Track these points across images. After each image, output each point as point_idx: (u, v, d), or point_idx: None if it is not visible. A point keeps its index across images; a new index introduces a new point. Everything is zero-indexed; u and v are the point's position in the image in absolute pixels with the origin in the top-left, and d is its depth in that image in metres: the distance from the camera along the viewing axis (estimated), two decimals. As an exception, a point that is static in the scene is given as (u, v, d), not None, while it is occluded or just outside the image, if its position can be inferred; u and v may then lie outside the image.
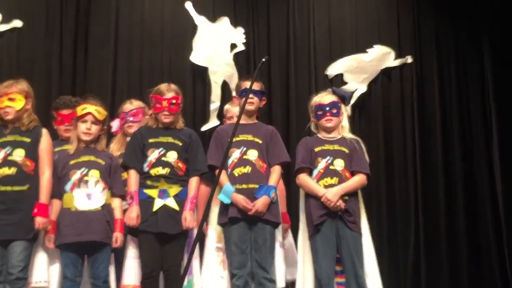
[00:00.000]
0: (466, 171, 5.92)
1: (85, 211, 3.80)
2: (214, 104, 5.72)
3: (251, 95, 4.03)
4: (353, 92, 4.44)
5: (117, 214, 3.90)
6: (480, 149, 5.96)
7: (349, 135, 4.14)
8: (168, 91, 4.06)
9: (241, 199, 3.86)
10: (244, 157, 3.98)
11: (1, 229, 3.71)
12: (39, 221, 3.74)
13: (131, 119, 4.44)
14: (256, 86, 4.12)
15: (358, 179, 4.01)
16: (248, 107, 4.06)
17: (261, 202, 3.86)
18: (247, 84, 4.12)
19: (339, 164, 4.01)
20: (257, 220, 3.89)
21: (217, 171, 3.90)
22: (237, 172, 3.97)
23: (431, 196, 5.85)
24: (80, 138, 3.97)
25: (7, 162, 3.81)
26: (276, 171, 4.02)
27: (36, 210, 3.74)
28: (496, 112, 5.90)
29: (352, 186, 3.97)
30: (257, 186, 3.92)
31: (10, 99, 3.89)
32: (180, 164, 3.98)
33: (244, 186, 3.93)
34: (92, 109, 3.97)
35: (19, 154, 3.83)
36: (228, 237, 3.95)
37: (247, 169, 3.96)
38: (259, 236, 3.90)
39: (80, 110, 3.98)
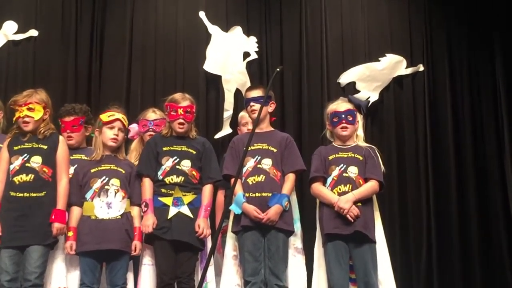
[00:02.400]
0: (478, 179, 5.90)
1: (105, 219, 3.83)
2: (227, 112, 5.75)
3: (251, 103, 4.12)
4: (369, 101, 4.45)
5: (136, 223, 3.93)
6: (493, 156, 5.93)
7: (364, 144, 4.16)
8: (183, 99, 4.11)
9: (252, 210, 3.90)
10: (258, 166, 4.03)
11: (17, 235, 3.76)
12: (56, 227, 3.79)
13: (154, 128, 4.47)
14: (257, 93, 4.17)
15: (371, 186, 4.01)
16: (253, 115, 4.14)
17: (273, 211, 3.89)
18: (248, 94, 4.24)
19: (352, 171, 4.02)
20: (270, 228, 3.92)
21: (232, 180, 3.97)
22: (251, 180, 4.01)
23: (444, 203, 5.82)
24: (106, 144, 3.99)
25: (24, 169, 3.87)
26: (290, 179, 4.05)
27: (53, 217, 3.79)
28: (508, 120, 5.88)
29: (365, 193, 3.98)
30: (270, 194, 3.96)
31: (30, 109, 3.94)
32: (194, 172, 4.02)
33: (257, 194, 3.98)
34: (120, 116, 4.02)
35: (36, 161, 3.89)
36: (241, 244, 4.00)
37: (261, 177, 4.00)
38: (272, 244, 3.93)
39: (106, 116, 4.02)
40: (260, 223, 3.89)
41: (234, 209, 3.95)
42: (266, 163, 4.04)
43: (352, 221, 3.87)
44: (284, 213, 3.94)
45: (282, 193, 3.97)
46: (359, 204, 3.94)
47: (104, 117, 4.03)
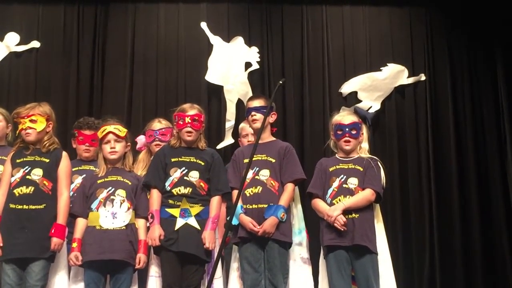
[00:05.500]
0: (480, 187, 5.89)
1: (109, 229, 3.82)
2: (229, 123, 5.76)
3: (253, 112, 4.14)
4: (376, 114, 4.40)
5: (141, 235, 3.91)
6: (495, 165, 5.93)
7: (366, 155, 4.15)
8: (191, 108, 4.12)
9: (248, 222, 3.92)
10: (256, 177, 4.04)
11: (16, 248, 3.75)
12: (55, 241, 3.79)
13: (160, 138, 4.48)
14: (259, 102, 4.19)
15: (363, 195, 3.98)
16: (254, 125, 4.16)
17: (268, 223, 3.90)
18: (249, 104, 4.24)
19: (352, 182, 4.02)
20: (267, 239, 3.92)
21: (233, 192, 4.01)
22: (248, 192, 4.01)
23: (446, 212, 5.82)
24: (107, 158, 4.00)
25: (25, 181, 3.87)
26: (288, 189, 4.04)
27: (53, 231, 3.79)
28: (510, 128, 5.87)
29: (356, 202, 3.95)
30: (266, 206, 3.96)
31: (32, 121, 3.95)
32: (202, 184, 3.99)
33: (254, 206, 3.99)
34: (111, 128, 4.01)
35: (37, 173, 3.89)
36: (241, 256, 4.00)
37: (258, 189, 4.01)
38: (270, 255, 3.93)
39: (101, 132, 4.03)
40: (257, 235, 3.90)
41: (233, 220, 3.95)
42: (264, 174, 4.04)
43: (342, 230, 3.86)
44: (281, 224, 3.93)
45: (278, 204, 3.96)
46: (356, 216, 3.93)
47: (99, 133, 4.05)
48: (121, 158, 4.04)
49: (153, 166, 4.09)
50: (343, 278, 3.90)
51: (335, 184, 4.03)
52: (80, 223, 3.89)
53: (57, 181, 3.92)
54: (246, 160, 4.03)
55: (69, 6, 5.97)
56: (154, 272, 3.97)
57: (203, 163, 4.04)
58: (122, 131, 4.03)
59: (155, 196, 3.97)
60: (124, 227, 3.85)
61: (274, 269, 3.90)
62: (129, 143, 4.11)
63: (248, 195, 4.00)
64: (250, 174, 4.01)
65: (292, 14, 6.16)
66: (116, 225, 3.84)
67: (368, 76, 6.01)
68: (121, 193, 3.92)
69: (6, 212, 3.84)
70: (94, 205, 3.89)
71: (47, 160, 3.95)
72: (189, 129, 4.05)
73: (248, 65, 5.93)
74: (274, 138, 4.27)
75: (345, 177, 4.03)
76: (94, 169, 4.20)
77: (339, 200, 3.97)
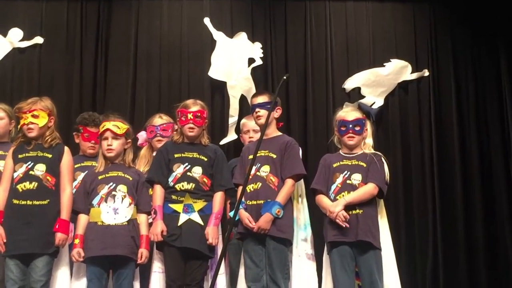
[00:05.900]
0: (484, 183, 5.88)
1: (111, 225, 3.83)
2: (232, 119, 5.76)
3: (257, 109, 4.15)
4: (380, 110, 4.36)
5: (143, 230, 3.92)
6: (498, 161, 5.92)
7: (370, 151, 4.14)
8: (194, 104, 4.13)
9: (244, 218, 3.95)
10: (257, 173, 4.05)
11: (20, 244, 3.76)
12: (59, 237, 3.80)
13: (161, 133, 4.49)
14: (262, 98, 4.19)
15: (365, 189, 3.98)
16: (259, 121, 4.18)
17: (263, 220, 3.91)
18: (253, 100, 4.26)
19: (356, 178, 4.02)
20: (264, 236, 3.94)
21: (238, 188, 4.06)
22: (249, 188, 4.03)
23: (450, 209, 5.81)
24: (104, 155, 4.01)
25: (28, 176, 3.88)
26: (287, 185, 4.03)
27: (57, 226, 3.80)
28: (514, 124, 5.89)
29: (358, 197, 3.95)
30: (264, 202, 3.98)
31: (34, 116, 3.95)
32: (205, 179, 4.01)
33: (253, 202, 4.01)
34: (110, 125, 4.00)
35: (40, 169, 3.90)
36: (244, 250, 4.04)
37: (257, 185, 4.03)
38: (268, 252, 3.95)
39: (101, 128, 4.04)
40: (253, 231, 3.92)
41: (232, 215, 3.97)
42: (264, 170, 4.06)
43: (343, 226, 3.86)
44: (277, 220, 3.94)
45: (275, 200, 3.96)
46: (360, 211, 3.93)
47: (100, 128, 4.06)
48: (119, 155, 4.04)
49: (156, 162, 4.11)
50: (347, 273, 3.90)
51: (339, 180, 4.04)
52: (82, 219, 3.90)
53: (60, 177, 3.92)
54: (251, 156, 4.03)
55: (72, 2, 5.96)
56: (157, 268, 3.99)
57: (206, 159, 4.05)
58: (121, 128, 4.02)
59: (158, 191, 3.99)
60: (126, 223, 3.86)
61: (272, 265, 3.92)
62: (129, 140, 4.10)
63: (248, 191, 4.02)
64: (253, 171, 4.01)
65: (295, 9, 6.15)
66: (118, 221, 3.85)
67: (372, 71, 5.99)
68: (122, 188, 3.92)
69: (9, 207, 3.84)
70: (95, 201, 3.90)
71: (50, 156, 3.95)
72: (191, 125, 4.07)
73: (251, 61, 5.92)
74: (279, 133, 4.27)
75: (348, 173, 4.03)
76: (96, 165, 4.20)
77: (343, 196, 3.97)
